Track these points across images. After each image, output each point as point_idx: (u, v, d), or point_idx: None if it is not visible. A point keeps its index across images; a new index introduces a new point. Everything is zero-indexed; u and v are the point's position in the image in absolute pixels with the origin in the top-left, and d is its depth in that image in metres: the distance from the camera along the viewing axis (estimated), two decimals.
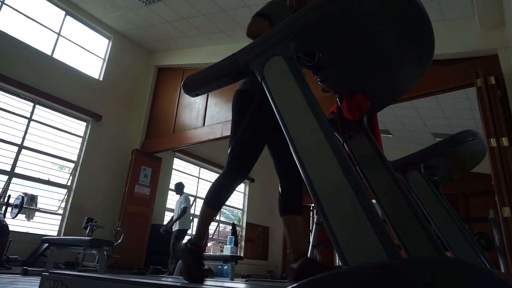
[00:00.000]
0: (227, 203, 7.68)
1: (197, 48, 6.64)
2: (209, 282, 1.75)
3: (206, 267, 4.97)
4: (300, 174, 1.55)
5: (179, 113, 6.58)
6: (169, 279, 1.57)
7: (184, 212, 5.46)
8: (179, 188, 5.88)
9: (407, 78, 1.07)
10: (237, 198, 9.11)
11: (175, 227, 5.49)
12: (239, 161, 1.52)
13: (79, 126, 6.00)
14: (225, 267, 6.93)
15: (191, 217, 6.09)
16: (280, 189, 1.58)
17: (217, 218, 8.29)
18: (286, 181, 1.58)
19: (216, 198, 1.54)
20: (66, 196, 5.63)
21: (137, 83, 7.03)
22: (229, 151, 1.52)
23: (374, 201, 0.92)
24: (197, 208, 7.33)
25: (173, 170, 7.44)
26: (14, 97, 5.18)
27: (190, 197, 6.02)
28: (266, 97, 1.52)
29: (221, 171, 1.63)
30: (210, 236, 7.86)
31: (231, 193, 1.60)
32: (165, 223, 6.83)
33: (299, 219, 1.52)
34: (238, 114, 1.56)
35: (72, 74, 5.92)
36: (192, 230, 6.04)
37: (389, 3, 0.82)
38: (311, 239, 4.27)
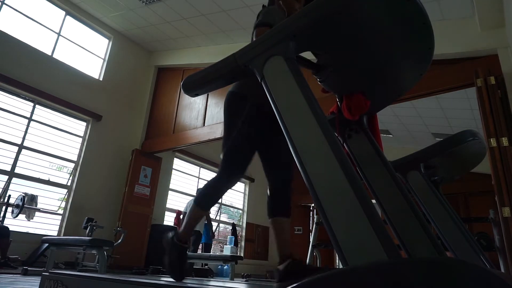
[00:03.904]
0: (226, 203, 7.72)
1: (197, 48, 6.64)
2: (209, 282, 1.75)
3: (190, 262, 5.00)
4: (289, 177, 1.57)
5: (179, 113, 6.58)
6: (169, 279, 1.57)
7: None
8: None
9: (407, 78, 1.07)
10: (237, 198, 9.11)
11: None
12: (232, 165, 1.52)
13: (79, 126, 5.99)
14: (225, 267, 6.93)
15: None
16: (268, 192, 1.59)
17: (218, 218, 8.29)
18: (275, 183, 1.59)
19: (207, 199, 1.57)
20: (66, 196, 5.63)
21: (137, 83, 7.02)
22: (222, 155, 1.53)
23: (374, 201, 0.92)
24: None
25: (173, 170, 7.44)
26: (14, 97, 5.18)
27: None
28: (259, 99, 1.54)
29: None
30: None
31: (223, 194, 1.63)
32: (165, 223, 6.84)
33: (287, 222, 1.55)
34: (230, 116, 1.57)
35: (72, 74, 5.92)
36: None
37: (389, 3, 0.82)
38: (311, 239, 4.27)
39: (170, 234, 1.56)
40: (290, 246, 1.50)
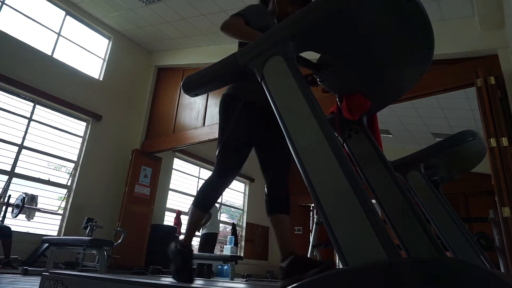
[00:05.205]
0: (226, 203, 7.72)
1: (197, 48, 6.64)
2: (209, 282, 1.75)
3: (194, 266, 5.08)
4: (286, 173, 1.57)
5: (179, 113, 6.58)
6: (169, 279, 1.57)
7: (209, 217, 5.66)
8: None
9: (407, 78, 1.07)
10: (237, 198, 9.11)
11: (203, 231, 5.74)
12: (226, 164, 1.54)
13: (79, 126, 5.99)
14: (225, 267, 6.93)
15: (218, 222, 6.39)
16: (266, 190, 1.58)
17: (218, 218, 8.28)
18: (272, 181, 1.59)
19: (204, 200, 1.57)
20: (66, 196, 5.63)
21: (137, 83, 7.02)
22: (216, 154, 1.56)
23: (374, 201, 0.92)
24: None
25: (173, 170, 7.44)
26: (14, 97, 5.18)
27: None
28: (251, 95, 1.54)
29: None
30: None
31: (220, 194, 1.63)
32: (165, 223, 6.85)
33: (287, 218, 1.53)
34: (225, 118, 1.60)
35: (72, 74, 5.92)
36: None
37: (389, 3, 0.82)
38: (311, 239, 4.27)
39: (173, 244, 1.57)
40: (292, 242, 1.49)
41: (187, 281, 1.45)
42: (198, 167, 8.10)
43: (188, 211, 5.80)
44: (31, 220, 4.98)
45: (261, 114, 1.56)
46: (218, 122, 1.70)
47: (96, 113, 6.10)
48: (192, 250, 1.60)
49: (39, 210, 5.15)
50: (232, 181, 1.61)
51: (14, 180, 5.01)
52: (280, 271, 1.39)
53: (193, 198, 1.67)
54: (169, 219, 6.99)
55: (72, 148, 5.82)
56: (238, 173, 1.58)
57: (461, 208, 7.95)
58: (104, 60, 6.62)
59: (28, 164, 5.18)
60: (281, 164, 1.60)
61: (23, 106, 5.28)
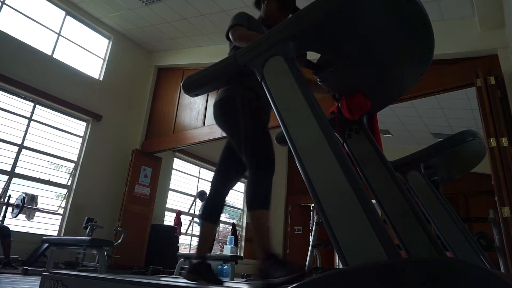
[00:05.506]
0: (227, 203, 7.73)
1: (197, 48, 6.64)
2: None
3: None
4: (270, 166, 1.54)
5: (179, 113, 6.58)
6: (169, 279, 1.57)
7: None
8: (202, 195, 6.43)
9: (407, 78, 1.07)
10: (237, 198, 9.11)
11: None
12: (263, 157, 1.43)
13: (79, 126, 5.99)
14: (225, 267, 6.93)
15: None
16: (247, 183, 1.48)
17: None
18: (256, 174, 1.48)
19: (263, 200, 1.42)
20: (66, 196, 5.63)
21: (137, 83, 7.02)
22: (247, 157, 1.44)
23: (374, 201, 0.92)
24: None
25: (173, 170, 7.44)
26: (14, 97, 5.18)
27: None
28: (247, 97, 1.54)
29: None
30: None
31: (271, 192, 1.46)
32: (165, 223, 6.85)
33: (266, 214, 1.42)
34: (233, 119, 1.52)
35: (72, 74, 5.91)
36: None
37: (389, 3, 0.82)
38: (311, 239, 4.27)
39: (189, 265, 1.59)
40: (270, 240, 1.41)
41: (218, 282, 1.51)
42: (198, 167, 8.10)
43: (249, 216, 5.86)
44: (31, 220, 4.98)
45: (258, 109, 1.56)
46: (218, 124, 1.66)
47: (96, 113, 6.10)
48: (206, 258, 1.63)
49: (39, 210, 5.15)
50: (272, 175, 1.47)
51: (14, 180, 5.00)
52: (257, 272, 1.35)
53: (192, 198, 1.68)
54: (169, 219, 6.99)
55: (72, 148, 5.82)
56: (274, 165, 1.46)
57: (461, 208, 7.95)
58: (104, 60, 6.62)
59: (28, 164, 5.18)
60: (268, 157, 1.52)
61: (23, 106, 5.28)
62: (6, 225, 4.35)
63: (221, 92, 1.61)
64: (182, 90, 1.11)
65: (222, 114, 1.58)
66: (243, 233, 8.80)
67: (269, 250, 1.35)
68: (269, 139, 1.49)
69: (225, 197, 1.70)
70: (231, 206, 8.95)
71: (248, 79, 1.22)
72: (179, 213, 6.89)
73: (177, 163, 7.60)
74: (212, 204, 1.65)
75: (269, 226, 1.44)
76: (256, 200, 1.41)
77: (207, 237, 1.64)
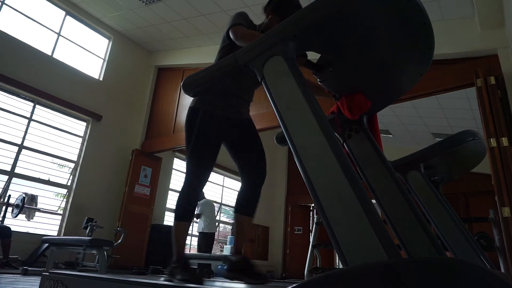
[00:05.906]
0: (227, 203, 7.74)
1: (197, 48, 6.64)
2: (209, 282, 1.75)
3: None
4: (261, 182, 1.65)
5: (179, 113, 6.58)
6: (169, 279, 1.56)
7: (197, 217, 6.05)
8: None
9: (407, 78, 1.07)
10: None
11: (200, 230, 6.04)
12: (194, 171, 1.63)
13: (79, 126, 5.99)
14: (225, 267, 6.92)
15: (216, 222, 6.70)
16: (240, 189, 1.76)
17: (217, 218, 8.28)
18: (247, 184, 1.74)
19: (184, 210, 1.64)
20: (66, 196, 5.62)
21: (137, 83, 7.02)
22: (186, 163, 1.67)
23: (374, 201, 0.92)
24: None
25: (173, 170, 7.44)
26: (14, 97, 5.18)
27: (208, 202, 6.35)
28: (211, 110, 1.61)
29: (220, 170, 1.71)
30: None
31: (196, 202, 1.74)
32: (165, 223, 6.85)
33: (249, 220, 1.75)
34: (187, 128, 1.67)
35: (72, 74, 5.91)
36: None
37: (389, 3, 0.82)
38: (311, 239, 4.27)
39: (169, 265, 1.62)
40: (244, 243, 1.82)
41: (198, 281, 1.49)
42: None
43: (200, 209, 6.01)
44: (31, 220, 4.98)
45: (223, 122, 1.67)
46: None
47: (96, 113, 6.10)
48: (186, 257, 1.63)
49: (39, 210, 5.15)
50: (203, 187, 1.71)
51: (14, 180, 5.00)
52: (227, 262, 1.68)
53: (217, 206, 1.76)
54: (169, 219, 6.98)
55: (72, 148, 5.82)
56: (207, 180, 1.69)
57: (461, 208, 7.95)
58: (104, 60, 6.62)
59: (28, 164, 5.18)
60: (255, 173, 1.73)
61: (23, 106, 5.28)
62: (8, 225, 4.36)
63: (193, 100, 1.70)
64: (182, 90, 1.11)
65: (185, 123, 1.70)
66: None
67: (181, 255, 1.60)
68: (207, 156, 1.65)
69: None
70: (231, 206, 8.94)
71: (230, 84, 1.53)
72: None
73: (177, 163, 7.60)
74: (192, 203, 1.71)
75: (248, 230, 1.84)
76: (174, 212, 1.67)
77: (184, 237, 1.68)
